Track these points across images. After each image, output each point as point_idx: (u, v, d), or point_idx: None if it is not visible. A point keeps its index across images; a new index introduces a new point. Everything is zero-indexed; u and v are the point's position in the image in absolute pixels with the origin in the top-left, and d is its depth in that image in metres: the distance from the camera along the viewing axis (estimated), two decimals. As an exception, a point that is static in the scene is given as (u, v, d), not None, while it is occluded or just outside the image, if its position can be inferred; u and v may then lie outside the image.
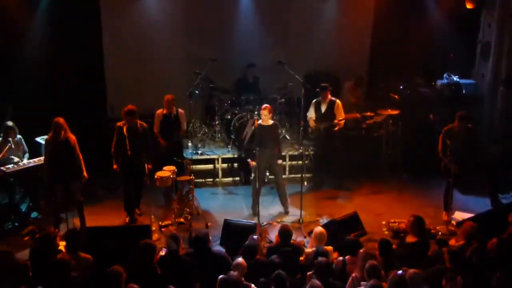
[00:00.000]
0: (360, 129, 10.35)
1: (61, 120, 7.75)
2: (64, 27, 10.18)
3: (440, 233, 8.04)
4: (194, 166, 9.36)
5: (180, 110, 9.18)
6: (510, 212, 7.11)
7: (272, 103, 10.48)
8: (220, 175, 10.33)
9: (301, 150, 8.92)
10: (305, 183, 9.35)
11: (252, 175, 8.67)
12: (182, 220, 8.41)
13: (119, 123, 8.23)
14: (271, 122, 8.68)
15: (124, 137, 8.03)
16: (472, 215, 7.99)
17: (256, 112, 10.28)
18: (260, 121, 8.68)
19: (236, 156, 10.35)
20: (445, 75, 11.05)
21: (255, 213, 8.51)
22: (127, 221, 8.44)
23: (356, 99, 11.04)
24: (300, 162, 9.94)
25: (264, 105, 8.70)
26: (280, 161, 8.79)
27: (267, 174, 9.50)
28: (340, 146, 9.80)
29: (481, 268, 5.82)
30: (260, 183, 8.67)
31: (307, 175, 9.81)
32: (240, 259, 5.94)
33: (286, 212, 8.83)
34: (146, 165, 8.32)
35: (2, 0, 9.66)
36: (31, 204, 8.73)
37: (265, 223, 8.45)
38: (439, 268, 5.92)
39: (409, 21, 11.08)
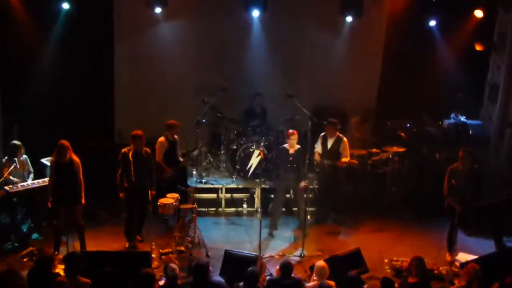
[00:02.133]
0: (365, 165, 10.33)
1: (66, 142, 7.79)
2: (76, 49, 10.33)
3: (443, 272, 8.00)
4: (197, 195, 9.36)
5: (176, 136, 9.25)
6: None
7: (279, 134, 10.55)
8: (223, 204, 10.32)
9: (305, 184, 8.90)
10: (309, 217, 9.33)
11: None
12: (182, 248, 8.37)
13: (123, 150, 8.26)
14: (297, 146, 8.99)
15: (130, 162, 8.08)
16: (476, 257, 7.89)
17: (262, 143, 10.32)
18: (286, 145, 9.03)
19: (241, 186, 10.37)
20: (452, 115, 11.08)
21: (271, 233, 9.05)
22: (126, 246, 8.41)
23: (362, 134, 11.12)
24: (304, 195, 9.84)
25: (292, 130, 9.10)
26: (303, 183, 8.94)
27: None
28: (344, 181, 9.81)
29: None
30: (281, 204, 9.15)
31: (311, 209, 9.76)
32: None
33: (304, 235, 8.78)
34: (150, 191, 8.34)
35: (16, 20, 9.83)
36: (32, 225, 8.71)
37: (266, 256, 8.41)
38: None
39: (419, 59, 11.18)
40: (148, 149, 8.43)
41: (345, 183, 9.94)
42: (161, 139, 9.21)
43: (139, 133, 8.24)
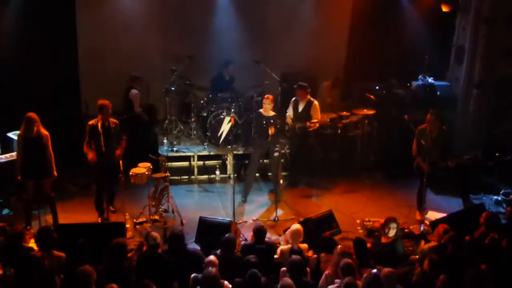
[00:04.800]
0: (336, 129, 10.39)
1: (33, 115, 7.60)
2: (37, 21, 9.98)
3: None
4: (169, 163, 9.33)
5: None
6: (481, 212, 7.26)
7: (249, 101, 10.52)
8: (195, 172, 10.31)
9: (277, 149, 8.98)
10: (281, 181, 9.38)
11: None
12: (157, 217, 8.38)
13: (91, 122, 8.11)
14: (272, 113, 8.86)
15: (99, 133, 7.97)
16: (445, 215, 8.10)
17: (232, 110, 10.28)
18: (261, 110, 8.91)
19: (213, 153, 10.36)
20: (420, 77, 11.16)
21: (244, 200, 9.05)
22: (99, 221, 8.30)
23: (332, 99, 11.10)
24: None
25: (267, 95, 8.93)
26: (276, 154, 8.82)
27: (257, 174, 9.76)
28: (315, 144, 9.88)
29: (458, 265, 5.94)
30: (255, 171, 9.13)
31: (284, 173, 9.83)
32: (212, 257, 5.95)
33: (278, 201, 8.86)
34: (121, 161, 8.18)
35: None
36: (1, 200, 8.56)
37: (240, 221, 8.46)
38: (413, 267, 6.06)
39: (386, 22, 11.19)
40: (115, 120, 8.28)
41: (317, 147, 9.99)
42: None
43: (106, 103, 8.04)
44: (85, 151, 8.14)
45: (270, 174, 9.58)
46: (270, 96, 8.91)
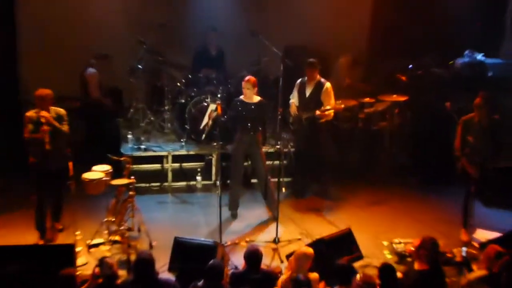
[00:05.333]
0: (356, 121, 10.40)
1: None
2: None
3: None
4: (135, 166, 9.32)
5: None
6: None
7: (241, 83, 10.38)
8: (170, 178, 10.32)
9: (278, 147, 8.91)
10: (283, 189, 9.41)
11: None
12: (118, 238, 8.33)
13: (29, 113, 8.05)
14: (256, 99, 8.86)
15: (39, 128, 7.89)
16: (499, 234, 8.10)
17: (219, 95, 10.28)
18: (242, 97, 8.91)
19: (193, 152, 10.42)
20: (466, 53, 11.24)
21: (234, 214, 9.19)
22: (40, 242, 8.23)
23: (352, 81, 11.13)
24: (277, 162, 9.73)
25: (248, 77, 8.91)
26: (263, 150, 9.00)
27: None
28: (328, 142, 9.80)
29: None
30: (240, 175, 9.23)
31: (286, 179, 9.81)
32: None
33: (275, 218, 8.80)
34: (70, 163, 8.20)
35: None
36: None
37: (229, 243, 8.43)
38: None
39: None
40: (61, 110, 8.20)
41: (330, 144, 9.93)
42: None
43: (44, 93, 7.97)
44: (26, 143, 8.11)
45: (256, 181, 9.55)
46: (252, 78, 8.87)
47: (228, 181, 9.51)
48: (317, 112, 9.21)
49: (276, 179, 8.94)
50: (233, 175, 9.26)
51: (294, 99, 9.63)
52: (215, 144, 9.72)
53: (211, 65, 10.94)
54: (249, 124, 8.88)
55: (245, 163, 9.63)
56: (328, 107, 9.20)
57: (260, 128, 9.06)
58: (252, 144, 8.99)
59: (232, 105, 9.11)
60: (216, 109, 9.11)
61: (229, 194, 9.30)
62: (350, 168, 10.38)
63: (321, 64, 9.70)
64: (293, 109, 9.59)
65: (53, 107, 8.10)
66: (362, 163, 10.50)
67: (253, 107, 8.85)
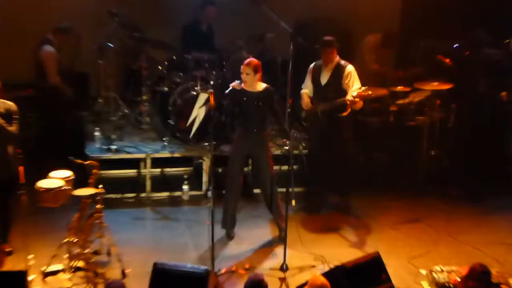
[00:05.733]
0: (386, 115, 10.51)
1: None
2: None
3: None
4: (103, 172, 9.42)
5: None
6: None
7: (240, 66, 10.16)
8: (148, 187, 10.33)
9: (287, 148, 8.78)
10: (293, 202, 9.01)
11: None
12: (82, 263, 8.17)
13: None
14: (261, 86, 8.79)
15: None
16: None
17: (212, 83, 10.30)
18: (242, 84, 8.84)
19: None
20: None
21: (229, 234, 9.16)
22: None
23: (381, 65, 11.15)
24: (285, 167, 9.76)
25: (248, 59, 8.86)
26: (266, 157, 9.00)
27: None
28: (350, 142, 9.76)
29: None
30: (238, 184, 9.12)
31: (297, 189, 9.55)
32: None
33: (282, 237, 8.80)
34: (21, 168, 8.12)
35: None
36: None
37: (224, 270, 8.35)
38: None
39: None
40: (11, 104, 8.11)
41: (353, 144, 9.86)
42: None
43: None
44: None
45: (257, 191, 9.73)
46: (253, 61, 8.77)
47: (223, 192, 9.38)
48: (343, 99, 9.04)
49: (284, 189, 8.72)
50: (230, 184, 9.17)
51: (307, 89, 9.61)
52: (206, 144, 9.74)
53: (201, 44, 11.01)
54: (252, 120, 8.83)
55: (246, 169, 9.64)
56: (355, 94, 8.99)
57: (266, 125, 9.04)
58: (256, 144, 8.94)
59: (229, 95, 9.09)
60: (207, 100, 9.14)
61: (224, 208, 9.24)
62: (379, 176, 10.48)
63: (341, 43, 9.59)
64: (306, 101, 9.52)
65: (0, 99, 8.03)
66: (393, 169, 10.53)
67: (256, 97, 8.72)
